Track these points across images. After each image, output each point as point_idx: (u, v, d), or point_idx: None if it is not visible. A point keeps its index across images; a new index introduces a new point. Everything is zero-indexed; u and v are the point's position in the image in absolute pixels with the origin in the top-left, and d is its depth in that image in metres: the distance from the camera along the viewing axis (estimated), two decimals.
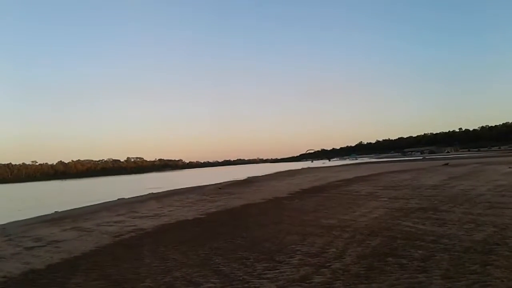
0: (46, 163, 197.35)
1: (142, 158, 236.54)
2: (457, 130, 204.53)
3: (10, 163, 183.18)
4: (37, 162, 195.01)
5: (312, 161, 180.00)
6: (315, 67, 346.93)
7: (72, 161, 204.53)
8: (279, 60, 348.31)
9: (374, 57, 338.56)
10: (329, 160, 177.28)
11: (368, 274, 6.12)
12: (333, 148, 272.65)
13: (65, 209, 25.63)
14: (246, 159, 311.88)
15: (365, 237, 8.76)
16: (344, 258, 7.16)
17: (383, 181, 24.31)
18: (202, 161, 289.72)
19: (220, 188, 30.40)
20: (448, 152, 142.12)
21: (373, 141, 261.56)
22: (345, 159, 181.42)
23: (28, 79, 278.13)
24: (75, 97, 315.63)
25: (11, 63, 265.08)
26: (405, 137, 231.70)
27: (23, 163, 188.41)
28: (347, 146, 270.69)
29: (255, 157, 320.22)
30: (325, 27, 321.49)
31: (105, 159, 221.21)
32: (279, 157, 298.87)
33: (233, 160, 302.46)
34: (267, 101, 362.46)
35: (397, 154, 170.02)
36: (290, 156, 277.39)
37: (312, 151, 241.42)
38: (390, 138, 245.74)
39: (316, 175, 38.97)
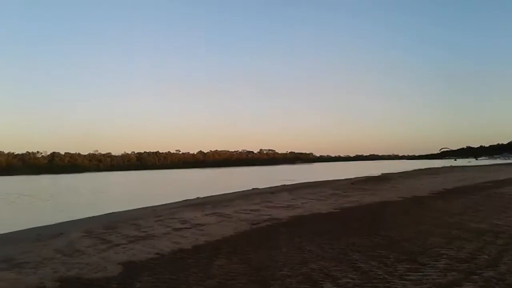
0: (188, 152, 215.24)
1: (274, 151, 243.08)
2: None
3: (158, 151, 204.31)
4: (180, 151, 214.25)
5: (455, 160, 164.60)
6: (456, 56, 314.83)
7: (211, 151, 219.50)
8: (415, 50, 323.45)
9: None
10: (476, 159, 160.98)
11: None
12: (481, 146, 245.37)
13: (206, 195, 27.66)
14: (379, 154, 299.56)
15: None
16: (499, 266, 6.40)
17: None
18: (333, 155, 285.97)
19: (353, 184, 29.77)
20: None
21: None
22: (495, 158, 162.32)
23: (167, 76, 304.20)
24: (212, 90, 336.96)
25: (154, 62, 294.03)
26: None
27: (169, 152, 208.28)
28: (498, 144, 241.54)
29: (390, 153, 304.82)
30: None
31: (240, 150, 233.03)
32: (416, 154, 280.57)
33: (366, 156, 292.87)
34: (403, 93, 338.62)
35: None
36: (429, 153, 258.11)
37: (447, 149, 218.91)
38: None
39: (462, 175, 35.82)
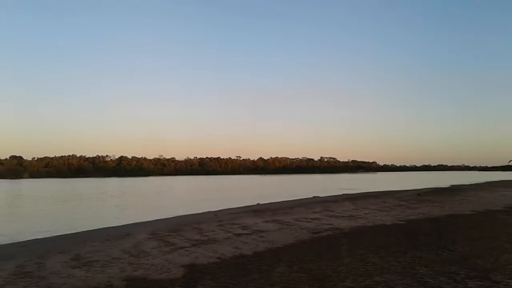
0: (249, 159, 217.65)
1: (335, 158, 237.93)
2: None
3: (219, 157, 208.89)
4: (240, 157, 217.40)
5: None
6: None
7: (271, 158, 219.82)
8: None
9: None
10: None
11: None
12: None
13: (266, 202, 27.77)
14: (448, 165, 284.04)
15: None
16: None
17: None
18: (398, 165, 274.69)
19: (419, 195, 28.55)
20: None
21: None
22: None
23: (230, 83, 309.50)
24: (273, 98, 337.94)
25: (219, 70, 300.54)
26: None
27: (229, 158, 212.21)
28: None
29: (460, 164, 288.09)
30: None
31: (300, 158, 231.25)
32: (489, 165, 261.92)
33: (434, 166, 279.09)
34: (477, 101, 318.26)
35: None
36: (503, 165, 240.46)
37: None
38: None
39: None
